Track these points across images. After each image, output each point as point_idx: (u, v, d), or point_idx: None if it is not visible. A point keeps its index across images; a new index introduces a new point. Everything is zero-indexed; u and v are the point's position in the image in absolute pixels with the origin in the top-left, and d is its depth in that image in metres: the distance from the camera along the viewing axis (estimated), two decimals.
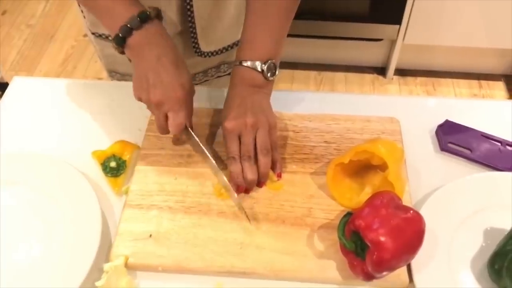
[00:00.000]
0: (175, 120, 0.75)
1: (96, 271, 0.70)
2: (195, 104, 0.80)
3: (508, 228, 0.71)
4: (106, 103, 0.95)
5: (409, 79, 2.34)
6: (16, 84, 1.00)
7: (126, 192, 0.79)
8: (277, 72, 0.81)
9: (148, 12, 0.73)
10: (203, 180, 0.80)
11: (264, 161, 0.77)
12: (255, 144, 0.77)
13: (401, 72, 2.35)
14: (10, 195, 0.79)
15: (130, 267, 0.71)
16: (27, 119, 0.93)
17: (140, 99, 0.77)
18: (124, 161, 0.82)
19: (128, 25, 0.72)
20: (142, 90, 0.75)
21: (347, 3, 2.03)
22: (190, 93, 0.77)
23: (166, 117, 0.76)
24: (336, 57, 2.33)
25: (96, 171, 0.83)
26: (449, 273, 0.70)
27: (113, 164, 0.81)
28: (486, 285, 0.69)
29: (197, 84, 1.04)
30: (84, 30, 2.58)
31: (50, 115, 0.94)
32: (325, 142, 0.85)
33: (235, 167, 0.77)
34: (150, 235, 0.73)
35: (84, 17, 0.98)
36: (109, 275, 0.68)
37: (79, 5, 0.97)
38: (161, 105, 0.75)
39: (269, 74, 0.79)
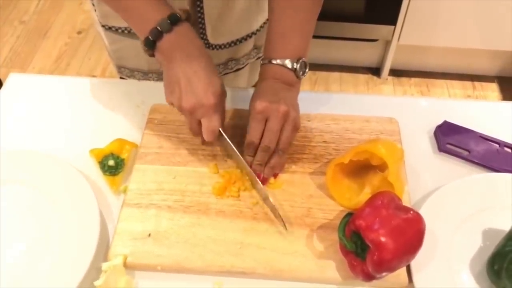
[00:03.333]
0: (209, 126, 0.74)
1: (95, 270, 0.70)
2: None
3: (507, 229, 0.71)
4: (104, 101, 0.94)
5: (404, 79, 2.35)
6: (12, 81, 0.99)
7: (124, 191, 0.79)
8: (307, 70, 0.79)
9: (178, 15, 0.72)
10: (202, 179, 0.79)
11: (278, 161, 0.76)
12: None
13: (396, 72, 2.36)
14: (7, 193, 0.78)
15: (128, 267, 0.70)
16: (23, 116, 0.92)
17: (171, 104, 0.76)
18: (122, 160, 0.81)
19: (158, 28, 0.71)
20: (174, 96, 0.74)
21: (342, 3, 2.03)
22: (222, 97, 0.75)
23: (199, 122, 0.75)
24: (331, 57, 2.33)
25: (94, 170, 0.82)
26: (448, 273, 0.70)
27: (111, 162, 0.81)
28: (485, 286, 0.69)
29: None
30: (78, 27, 2.57)
31: (47, 113, 0.93)
32: (324, 142, 0.85)
33: (249, 156, 0.76)
34: (149, 235, 0.73)
35: (95, 10, 0.96)
36: (108, 275, 0.68)
37: None
38: (194, 112, 0.73)
39: (301, 73, 0.78)
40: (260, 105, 0.74)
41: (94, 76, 2.36)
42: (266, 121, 0.75)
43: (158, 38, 0.72)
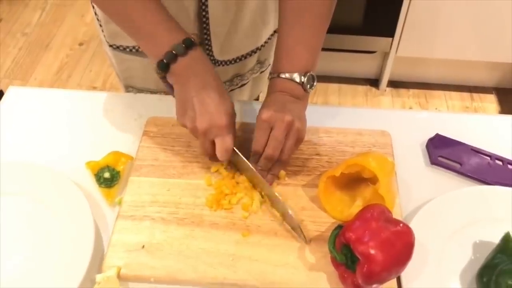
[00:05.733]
0: (223, 145, 0.75)
1: (89, 281, 0.70)
2: None
3: (497, 242, 0.72)
4: (100, 114, 0.95)
5: (402, 91, 2.36)
6: (11, 94, 1.01)
7: (119, 203, 0.80)
8: (315, 84, 0.81)
9: (192, 39, 0.74)
10: (196, 192, 0.80)
11: (280, 169, 0.78)
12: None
13: (394, 84, 2.37)
14: (2, 204, 0.79)
15: (122, 278, 0.71)
16: (21, 129, 0.94)
17: (184, 126, 0.77)
18: (118, 172, 0.82)
19: (174, 52, 0.72)
20: (187, 118, 0.75)
21: (341, 15, 2.04)
22: (234, 118, 0.77)
23: (212, 142, 0.76)
24: (330, 69, 2.35)
25: (90, 182, 0.83)
26: (438, 285, 0.71)
27: (106, 175, 0.82)
28: None
29: None
30: (80, 39, 2.60)
31: (45, 125, 0.94)
32: (317, 154, 0.86)
33: (255, 161, 0.77)
34: (143, 246, 0.73)
35: (103, 30, 0.97)
36: (102, 286, 0.69)
37: (97, 19, 0.97)
38: (208, 133, 0.74)
39: (308, 86, 0.80)
40: (265, 114, 0.76)
41: (95, 87, 2.38)
42: (272, 128, 0.76)
43: (172, 61, 0.73)
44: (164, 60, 0.73)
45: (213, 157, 0.78)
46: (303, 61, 0.80)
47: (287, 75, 0.79)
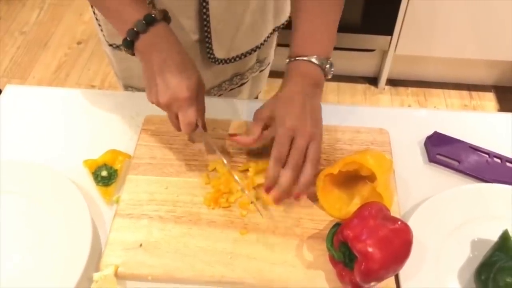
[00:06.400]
0: (185, 119, 0.75)
1: (86, 280, 0.70)
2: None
3: (495, 239, 0.72)
4: (99, 112, 0.95)
5: (401, 89, 2.36)
6: (8, 92, 1.00)
7: (117, 201, 0.79)
8: (333, 69, 0.79)
9: (153, 15, 0.74)
10: (193, 190, 0.80)
11: (311, 170, 0.72)
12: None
13: (393, 82, 2.37)
14: (0, 203, 0.79)
15: (120, 277, 0.71)
16: (18, 127, 0.93)
17: (152, 102, 0.77)
18: (116, 170, 0.82)
19: (135, 29, 0.73)
20: (152, 94, 0.75)
21: None
22: (199, 92, 0.75)
23: (177, 116, 0.76)
24: None
25: (87, 180, 0.83)
26: (437, 283, 0.70)
27: (104, 173, 0.82)
28: None
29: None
30: (78, 38, 2.60)
31: (42, 124, 0.94)
32: None
33: (275, 170, 0.72)
34: (140, 245, 0.73)
35: (102, 30, 0.98)
36: (99, 285, 0.69)
37: (96, 19, 0.98)
38: (170, 106, 0.74)
39: (331, 71, 0.78)
40: (290, 122, 0.72)
41: (93, 86, 2.37)
42: (294, 137, 0.72)
43: (135, 38, 0.74)
44: (128, 38, 0.74)
45: (180, 130, 0.78)
46: (323, 45, 0.79)
47: (304, 58, 0.77)
